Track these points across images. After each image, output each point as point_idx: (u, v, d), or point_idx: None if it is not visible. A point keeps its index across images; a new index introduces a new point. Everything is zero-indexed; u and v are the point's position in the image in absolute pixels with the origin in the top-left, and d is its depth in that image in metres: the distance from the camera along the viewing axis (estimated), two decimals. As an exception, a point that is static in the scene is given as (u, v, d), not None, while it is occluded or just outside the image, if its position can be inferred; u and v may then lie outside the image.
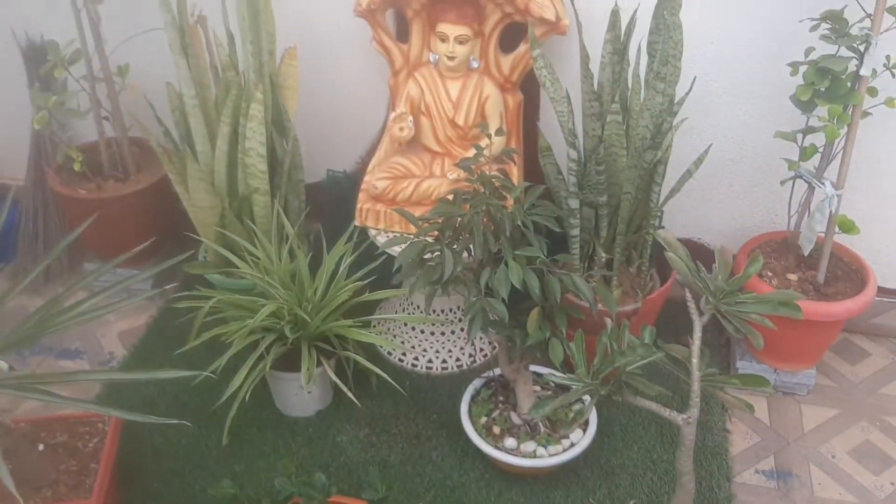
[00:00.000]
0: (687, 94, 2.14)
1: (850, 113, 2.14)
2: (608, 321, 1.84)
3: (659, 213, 2.35)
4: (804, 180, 2.29)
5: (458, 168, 2.16)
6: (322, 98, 2.76)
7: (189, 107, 2.35)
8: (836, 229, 2.30)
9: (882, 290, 2.61)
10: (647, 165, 2.20)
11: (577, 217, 2.28)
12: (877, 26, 2.03)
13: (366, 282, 2.29)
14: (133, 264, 2.28)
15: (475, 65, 2.41)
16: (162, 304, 2.81)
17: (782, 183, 2.34)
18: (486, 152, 2.07)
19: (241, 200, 2.44)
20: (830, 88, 2.11)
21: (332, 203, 2.80)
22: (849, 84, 2.11)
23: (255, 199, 2.43)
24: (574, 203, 2.27)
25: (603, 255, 2.36)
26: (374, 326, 2.66)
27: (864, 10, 2.05)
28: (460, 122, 2.43)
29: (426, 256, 1.99)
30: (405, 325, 2.60)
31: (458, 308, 2.55)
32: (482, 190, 2.06)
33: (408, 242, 2.01)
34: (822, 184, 2.24)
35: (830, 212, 2.25)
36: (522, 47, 2.41)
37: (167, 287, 2.70)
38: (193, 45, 2.33)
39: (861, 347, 2.67)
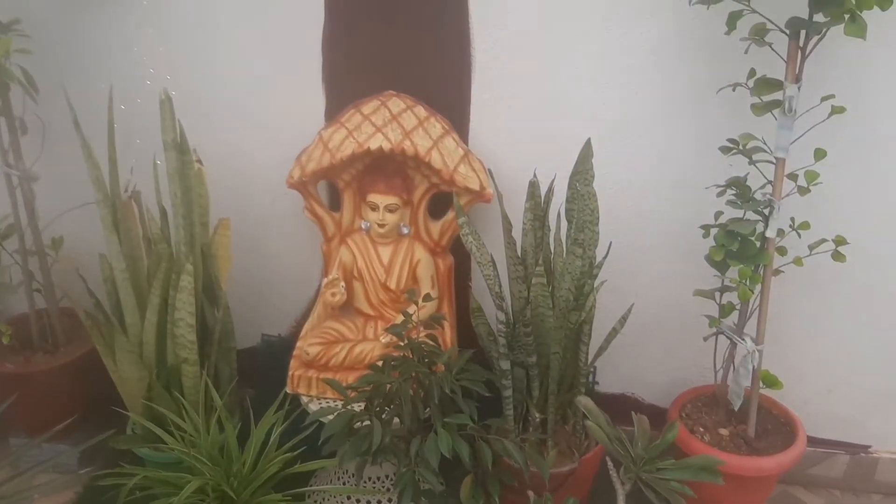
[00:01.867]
0: (604, 258, 2.23)
1: (761, 272, 2.24)
2: (531, 494, 1.82)
3: (590, 371, 2.38)
4: (726, 336, 2.36)
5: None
6: (256, 264, 2.80)
7: (119, 279, 2.36)
8: (761, 384, 2.35)
9: (814, 441, 2.64)
10: (573, 326, 2.25)
11: (508, 378, 2.30)
12: (777, 192, 2.17)
13: (297, 452, 2.25)
14: (61, 438, 2.22)
15: (406, 231, 2.49)
16: (88, 481, 2.70)
17: (705, 339, 2.41)
18: (414, 318, 2.10)
19: (169, 371, 2.41)
20: (741, 249, 2.22)
21: (266, 368, 2.78)
22: (758, 244, 2.23)
23: (183, 370, 2.40)
24: (505, 364, 2.29)
25: (537, 415, 2.36)
26: (308, 498, 2.57)
27: (765, 177, 2.20)
28: (392, 285, 2.48)
29: (356, 426, 1.97)
30: (339, 496, 2.53)
31: (395, 475, 2.49)
32: (411, 356, 2.07)
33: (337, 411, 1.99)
34: (743, 340, 2.30)
35: (753, 367, 2.30)
36: (450, 213, 2.50)
37: (90, 469, 2.61)
38: (126, 219, 2.37)
39: (799, 499, 2.66)
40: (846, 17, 1.94)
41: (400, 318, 2.19)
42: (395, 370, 2.04)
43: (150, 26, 2.45)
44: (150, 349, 2.41)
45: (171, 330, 2.37)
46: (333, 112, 2.49)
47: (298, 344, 2.44)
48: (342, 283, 2.43)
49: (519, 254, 2.30)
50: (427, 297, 2.29)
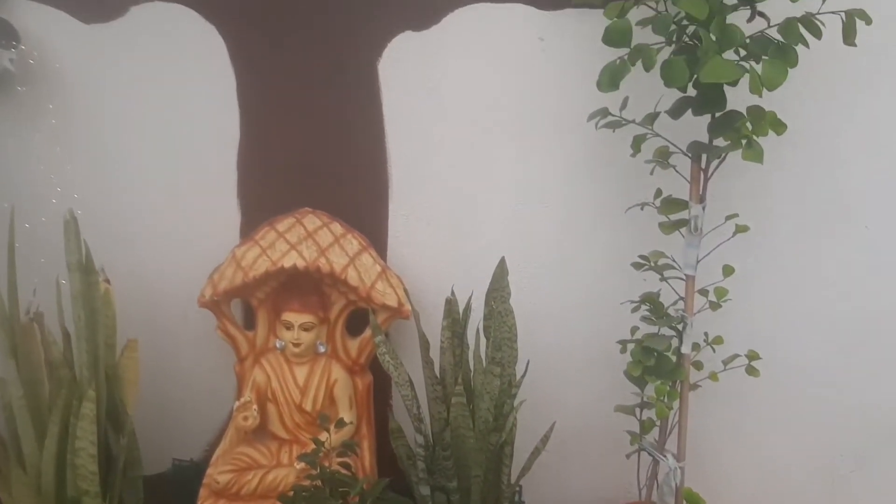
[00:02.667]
0: (523, 375, 2.20)
1: (678, 388, 2.24)
2: None
3: (515, 492, 2.31)
4: (648, 453, 2.34)
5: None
6: (167, 385, 2.69)
7: (17, 406, 2.23)
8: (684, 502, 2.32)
9: (742, 556, 2.60)
10: (494, 447, 2.20)
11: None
12: (689, 307, 2.20)
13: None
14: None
15: (322, 349, 2.43)
16: None
17: (628, 456, 2.37)
18: (326, 444, 2.03)
19: (68, 505, 2.26)
20: (657, 365, 2.22)
21: (177, 495, 2.63)
22: (674, 360, 2.24)
23: (84, 503, 2.25)
24: (425, 489, 2.21)
25: (459, 541, 2.28)
26: None
27: (676, 293, 2.23)
28: (308, 407, 2.39)
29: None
30: None
31: None
32: (323, 487, 1.98)
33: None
34: (665, 457, 2.28)
35: (676, 484, 2.27)
36: (369, 331, 2.46)
37: None
38: (26, 343, 2.26)
39: None
40: (743, 142, 2.02)
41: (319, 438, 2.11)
42: (305, 502, 1.95)
43: (57, 144, 2.41)
44: (48, 481, 2.26)
45: (71, 460, 2.23)
46: (249, 229, 2.46)
47: (208, 472, 2.33)
48: (255, 406, 2.34)
49: (437, 373, 2.26)
50: (340, 423, 2.21)
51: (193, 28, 2.33)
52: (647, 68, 1.91)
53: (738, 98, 1.99)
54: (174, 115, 2.41)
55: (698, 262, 2.16)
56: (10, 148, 2.44)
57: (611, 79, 1.95)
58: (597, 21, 2.16)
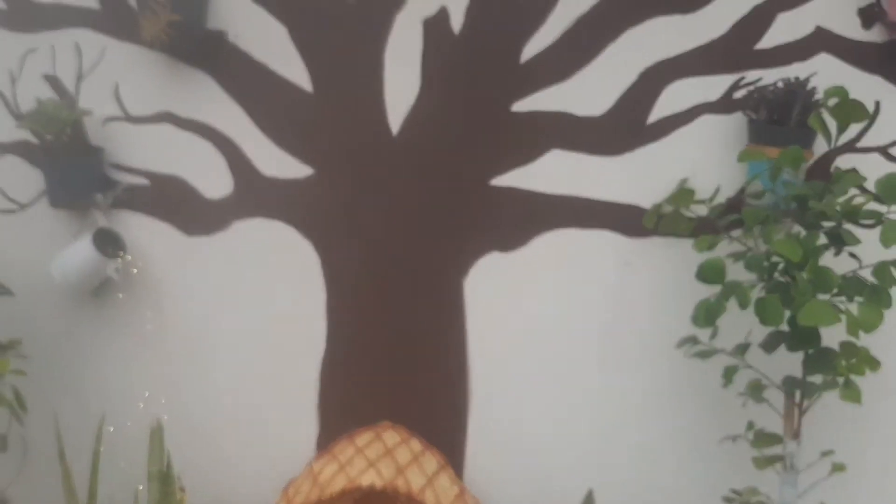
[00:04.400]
0: None
1: None
2: None
3: None
4: None
5: None
6: None
7: None
8: None
9: None
10: None
11: None
12: (787, 550, 2.08)
13: None
14: None
15: (394, 572, 2.33)
16: None
17: None
18: None
19: None
20: None
21: None
22: None
23: None
24: None
25: None
26: None
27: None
28: None
29: None
30: None
31: None
32: None
33: None
34: None
35: None
36: (442, 553, 2.36)
37: None
38: (95, 553, 2.22)
39: None
40: (840, 380, 1.99)
41: None
42: None
43: (150, 350, 2.47)
44: None
45: None
46: (326, 440, 2.43)
47: None
48: None
49: None
50: None
51: (290, 243, 2.44)
52: (743, 306, 1.93)
53: (832, 330, 1.98)
54: (264, 325, 2.46)
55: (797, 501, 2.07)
56: (106, 352, 2.51)
57: (707, 316, 1.97)
58: (684, 247, 2.22)
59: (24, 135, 2.40)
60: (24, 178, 2.47)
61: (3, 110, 2.43)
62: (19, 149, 2.46)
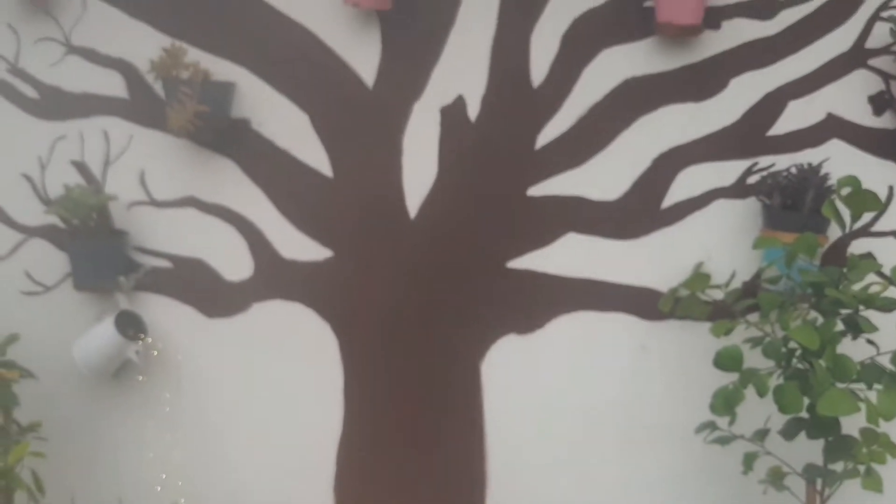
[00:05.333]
0: None
1: None
2: None
3: None
4: None
5: None
6: None
7: None
8: None
9: None
10: None
11: None
12: None
13: None
14: None
15: None
16: None
17: None
18: None
19: None
20: None
21: None
22: None
23: None
24: None
25: None
26: None
27: None
28: None
29: None
30: None
31: None
32: None
33: None
34: None
35: None
36: None
37: None
38: None
39: None
40: (861, 468, 1.97)
41: None
42: None
43: (168, 432, 2.48)
44: None
45: None
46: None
47: None
48: None
49: None
50: None
51: (309, 325, 2.46)
52: (761, 394, 1.93)
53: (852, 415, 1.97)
54: (281, 406, 2.47)
55: None
56: (124, 435, 2.51)
57: (725, 404, 1.96)
58: (701, 331, 2.23)
59: (52, 219, 2.47)
60: (50, 261, 2.52)
61: (32, 195, 2.50)
62: (46, 232, 2.51)
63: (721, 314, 2.19)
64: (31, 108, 2.49)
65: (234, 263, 2.49)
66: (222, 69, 2.39)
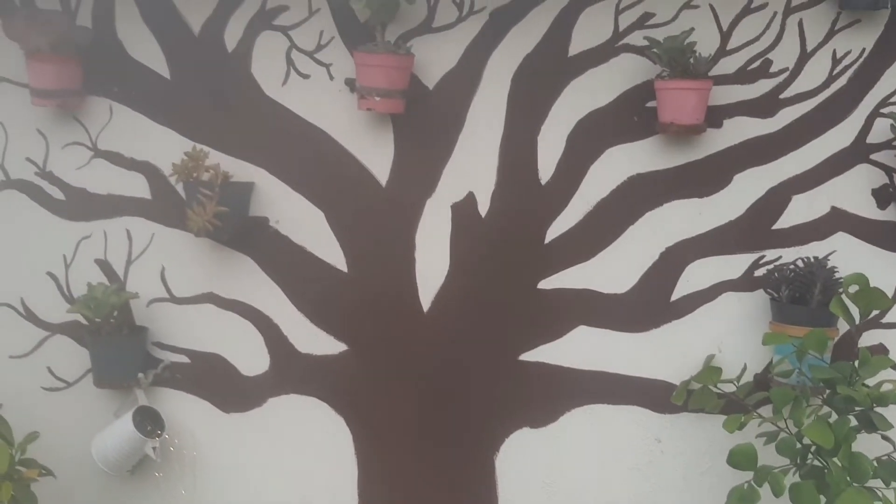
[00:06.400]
0: None
1: None
2: None
3: None
4: None
5: None
6: None
7: None
8: None
9: None
10: None
11: None
12: None
13: None
14: None
15: None
16: None
17: None
18: None
19: None
20: None
21: None
22: None
23: None
24: None
25: None
26: None
27: None
28: None
29: None
30: None
31: None
32: None
33: None
34: None
35: None
36: None
37: None
38: None
39: None
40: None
41: None
42: None
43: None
44: None
45: None
46: None
47: None
48: None
49: None
50: None
51: (324, 419, 2.49)
52: (777, 495, 1.91)
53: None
54: (296, 501, 2.48)
55: None
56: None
57: (740, 504, 1.95)
58: (715, 423, 2.23)
59: (74, 316, 2.53)
60: (72, 357, 2.57)
61: (56, 293, 2.57)
62: (68, 329, 2.57)
63: (734, 407, 2.20)
64: (58, 209, 2.58)
65: (251, 358, 2.53)
66: (241, 169, 2.47)
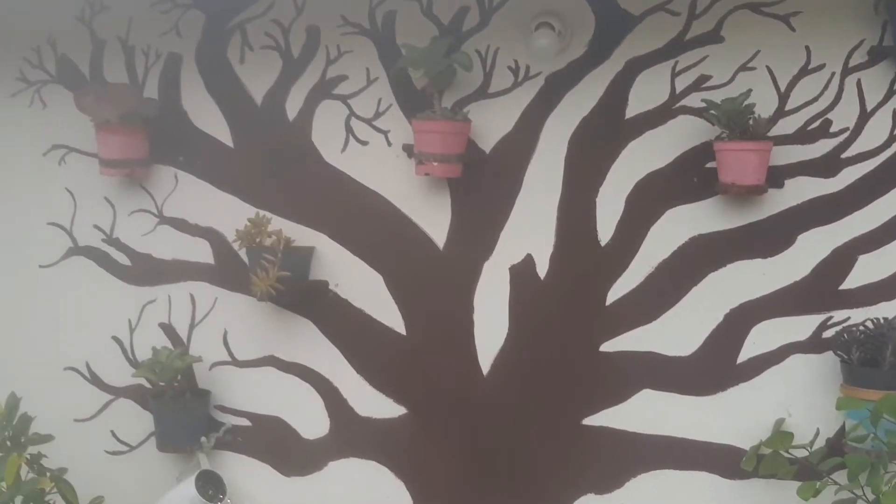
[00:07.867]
0: None
1: None
2: None
3: None
4: None
5: None
6: None
7: None
8: None
9: None
10: None
11: None
12: None
13: None
14: None
15: None
16: None
17: None
18: None
19: None
20: None
21: None
22: None
23: None
24: None
25: None
26: None
27: None
28: None
29: None
30: None
31: None
32: None
33: None
34: None
35: None
36: None
37: None
38: None
39: None
40: None
41: None
42: None
43: None
44: None
45: None
46: None
47: None
48: None
49: None
50: None
51: (384, 484, 2.48)
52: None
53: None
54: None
55: None
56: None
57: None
58: (787, 489, 2.15)
59: (138, 379, 2.57)
60: (135, 420, 2.61)
61: (121, 357, 2.62)
62: (132, 392, 2.62)
63: (807, 473, 2.13)
64: (124, 275, 2.65)
65: (311, 421, 2.55)
66: (302, 234, 2.52)
